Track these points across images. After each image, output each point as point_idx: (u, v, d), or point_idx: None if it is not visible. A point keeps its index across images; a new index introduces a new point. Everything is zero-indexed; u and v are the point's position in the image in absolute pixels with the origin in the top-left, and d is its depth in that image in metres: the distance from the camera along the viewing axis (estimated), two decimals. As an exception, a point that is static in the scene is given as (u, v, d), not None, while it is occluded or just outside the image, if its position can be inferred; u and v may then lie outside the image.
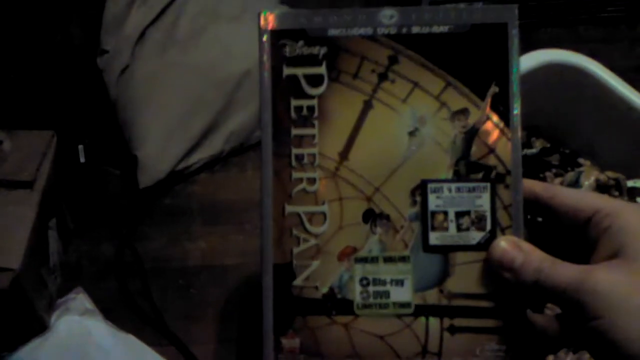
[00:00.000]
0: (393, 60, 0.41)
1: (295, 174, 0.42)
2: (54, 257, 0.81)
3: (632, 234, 0.35)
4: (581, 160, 0.72)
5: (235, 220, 0.89)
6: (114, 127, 0.96)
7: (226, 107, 0.97)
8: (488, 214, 0.40)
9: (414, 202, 0.41)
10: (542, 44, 0.77)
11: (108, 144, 0.96)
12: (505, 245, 0.39)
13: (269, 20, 0.42)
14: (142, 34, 0.99)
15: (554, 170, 0.71)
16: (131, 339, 0.77)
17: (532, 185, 0.41)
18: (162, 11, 1.01)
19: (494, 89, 0.41)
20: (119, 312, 0.80)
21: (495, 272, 0.39)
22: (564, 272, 0.36)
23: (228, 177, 0.95)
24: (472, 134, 0.41)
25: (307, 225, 0.42)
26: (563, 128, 0.74)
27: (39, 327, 0.76)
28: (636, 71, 1.03)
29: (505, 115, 0.41)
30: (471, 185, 0.41)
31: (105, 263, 0.85)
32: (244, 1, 1.07)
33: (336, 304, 0.41)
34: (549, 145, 0.74)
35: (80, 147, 0.92)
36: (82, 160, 0.92)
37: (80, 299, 0.79)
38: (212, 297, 0.82)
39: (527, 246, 0.39)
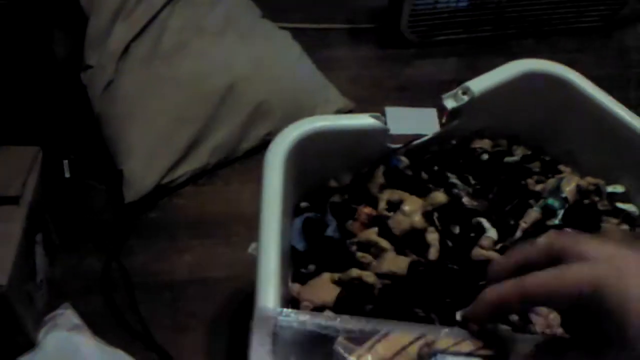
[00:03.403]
0: None
1: None
2: (40, 272, 0.80)
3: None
4: (562, 167, 0.74)
5: (222, 233, 0.89)
6: (98, 142, 0.96)
7: (211, 120, 0.97)
8: None
9: None
10: (520, 54, 0.79)
11: (93, 159, 0.96)
12: None
13: None
14: (126, 49, 0.99)
15: (535, 177, 0.72)
16: (119, 354, 0.76)
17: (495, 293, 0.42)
18: (146, 26, 1.01)
19: None
20: (107, 327, 0.80)
21: None
22: None
23: (214, 190, 0.96)
24: None
25: None
26: (543, 135, 0.76)
27: (27, 344, 0.75)
28: (610, 79, 1.05)
29: None
30: None
31: (91, 278, 0.85)
32: (226, 16, 1.08)
33: None
34: (529, 152, 0.76)
35: (65, 162, 0.92)
36: (67, 175, 0.91)
37: (67, 315, 0.79)
38: (200, 310, 0.82)
39: None
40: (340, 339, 0.45)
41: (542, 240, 0.42)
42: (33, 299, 0.77)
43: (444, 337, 0.45)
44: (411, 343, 0.45)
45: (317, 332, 0.45)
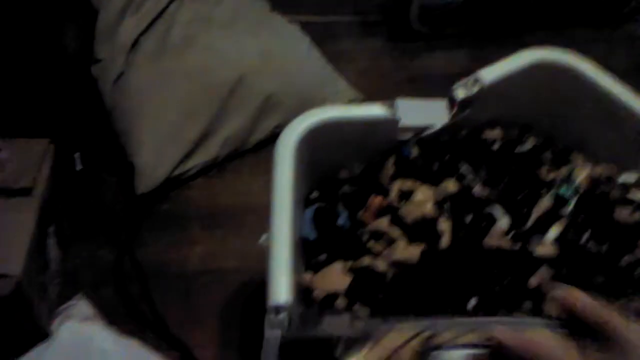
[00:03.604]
0: None
1: None
2: (53, 263, 0.81)
3: None
4: (573, 156, 0.74)
5: (233, 224, 0.90)
6: (109, 134, 0.96)
7: (220, 113, 0.98)
8: None
9: None
10: (530, 46, 0.79)
11: (104, 152, 0.96)
12: None
13: None
14: (135, 42, 1.00)
15: (546, 167, 0.72)
16: (133, 343, 0.77)
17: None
18: (155, 19, 1.02)
19: None
20: (120, 318, 0.80)
21: None
22: None
23: (224, 182, 0.96)
24: None
25: None
26: (555, 124, 0.75)
27: (41, 334, 0.75)
28: (622, 70, 1.05)
29: None
30: None
31: (104, 269, 0.85)
32: (235, 9, 1.08)
33: None
34: (541, 141, 0.75)
35: (77, 155, 0.92)
36: (79, 168, 0.92)
37: (81, 305, 0.79)
38: (212, 300, 0.82)
39: None
40: (342, 342, 0.45)
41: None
42: (47, 290, 0.78)
43: (446, 331, 0.45)
44: (411, 339, 0.44)
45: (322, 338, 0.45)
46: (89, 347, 0.75)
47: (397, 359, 0.44)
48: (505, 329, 0.42)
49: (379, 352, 0.44)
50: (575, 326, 0.42)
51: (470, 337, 0.44)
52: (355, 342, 0.45)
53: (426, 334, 0.45)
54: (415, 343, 0.44)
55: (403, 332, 0.45)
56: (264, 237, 0.72)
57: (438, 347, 0.44)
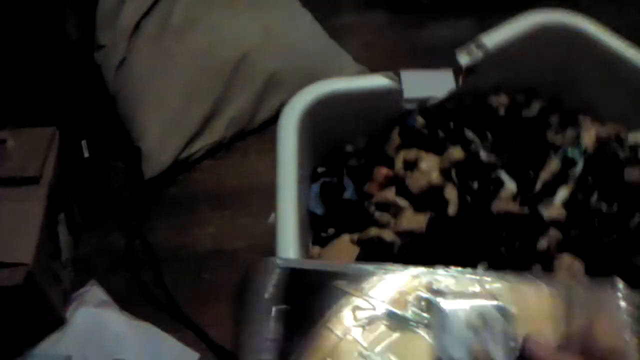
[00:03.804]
0: None
1: None
2: (65, 251, 0.81)
3: None
4: (580, 117, 0.72)
5: (242, 203, 0.90)
6: (115, 120, 0.96)
7: (224, 93, 0.97)
8: None
9: None
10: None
11: (111, 138, 0.96)
12: None
13: None
14: (137, 26, 0.99)
15: (553, 130, 0.71)
16: (148, 326, 0.77)
17: None
18: (155, 2, 1.01)
19: None
20: (133, 301, 0.81)
21: None
22: None
23: (231, 163, 0.96)
24: None
25: None
26: (561, 86, 0.74)
27: (55, 321, 0.76)
28: (631, 29, 1.03)
29: None
30: None
31: (115, 255, 0.86)
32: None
33: None
34: (547, 104, 0.74)
35: (84, 142, 0.92)
36: (86, 155, 0.92)
37: (94, 291, 0.80)
38: (224, 280, 0.82)
39: None
40: (339, 280, 0.44)
41: None
42: (59, 277, 0.78)
43: (444, 279, 0.44)
44: (409, 284, 0.44)
45: (316, 276, 0.45)
46: (104, 331, 0.76)
47: (401, 301, 0.43)
48: (537, 340, 0.41)
49: (381, 290, 0.44)
50: None
51: (474, 287, 0.44)
52: (358, 279, 0.44)
53: (429, 279, 0.44)
54: (418, 286, 0.44)
55: (404, 276, 0.44)
56: (272, 216, 0.72)
57: (440, 293, 0.43)
